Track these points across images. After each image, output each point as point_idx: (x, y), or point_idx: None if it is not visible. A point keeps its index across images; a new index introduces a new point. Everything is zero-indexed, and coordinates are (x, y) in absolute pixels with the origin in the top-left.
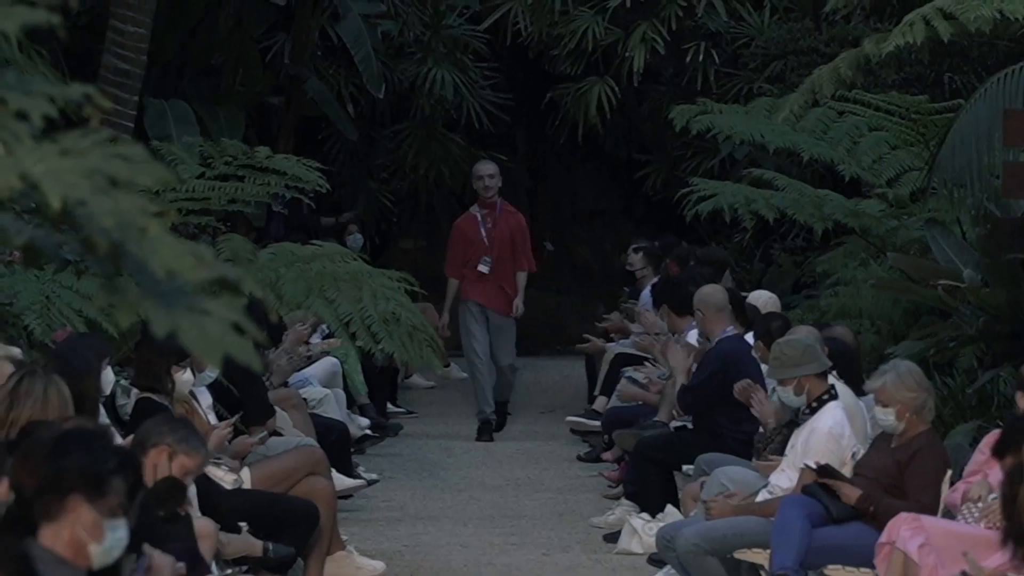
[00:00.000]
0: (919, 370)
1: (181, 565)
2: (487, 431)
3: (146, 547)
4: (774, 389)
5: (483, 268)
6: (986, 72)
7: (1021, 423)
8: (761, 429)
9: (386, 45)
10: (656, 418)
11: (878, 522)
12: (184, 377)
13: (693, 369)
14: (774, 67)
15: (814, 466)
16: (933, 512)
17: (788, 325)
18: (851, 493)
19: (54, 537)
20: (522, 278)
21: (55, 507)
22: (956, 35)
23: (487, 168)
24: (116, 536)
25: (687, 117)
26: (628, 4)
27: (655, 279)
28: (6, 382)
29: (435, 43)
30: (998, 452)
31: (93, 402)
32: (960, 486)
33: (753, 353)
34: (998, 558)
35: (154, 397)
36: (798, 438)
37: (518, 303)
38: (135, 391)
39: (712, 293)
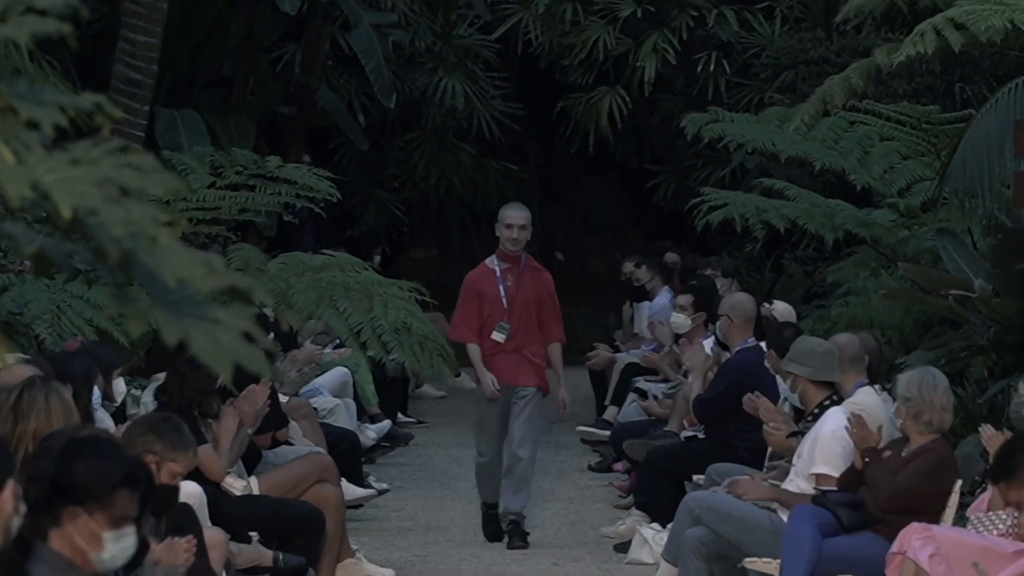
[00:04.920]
0: (932, 381)
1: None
2: (492, 522)
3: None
4: (785, 399)
5: (498, 336)
6: (997, 82)
7: (1012, 449)
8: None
9: (397, 55)
10: (666, 428)
11: (890, 529)
12: None
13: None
14: (785, 77)
15: (822, 471)
16: (931, 515)
17: (801, 335)
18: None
19: (61, 542)
20: (557, 353)
21: (54, 517)
22: (967, 45)
23: (518, 216)
24: (120, 546)
25: (698, 126)
26: (639, 14)
27: (665, 289)
28: (8, 397)
29: (446, 53)
30: (995, 478)
31: (85, 411)
32: (985, 496)
33: (766, 363)
34: (1010, 569)
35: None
36: (804, 446)
37: (564, 396)
38: (152, 401)
39: (744, 302)
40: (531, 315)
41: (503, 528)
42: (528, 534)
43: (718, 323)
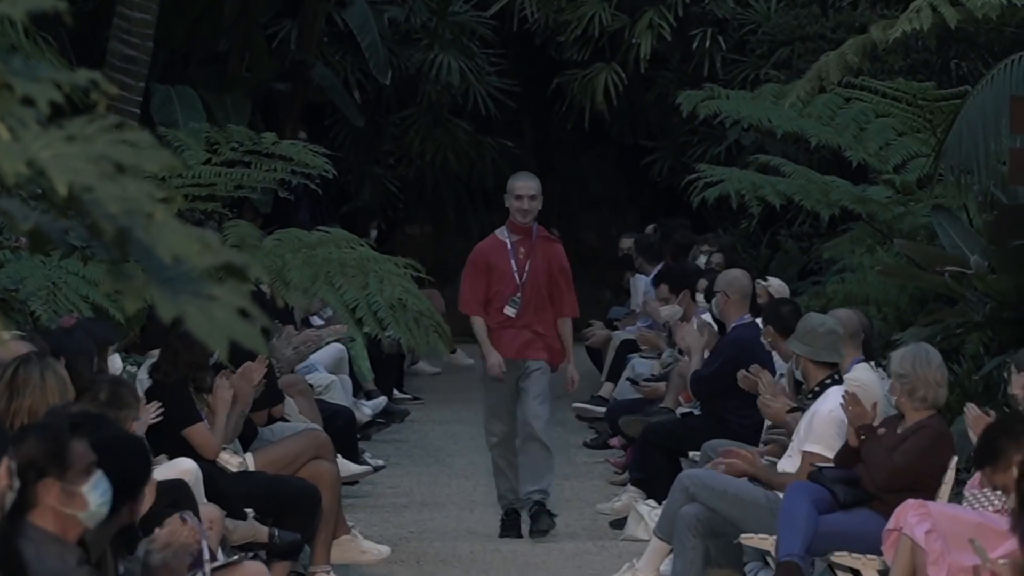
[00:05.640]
0: (925, 357)
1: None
2: (513, 525)
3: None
4: (782, 375)
5: (510, 311)
6: (993, 59)
7: (996, 433)
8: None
9: (392, 31)
10: (662, 404)
11: (886, 506)
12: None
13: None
14: (781, 53)
15: (815, 450)
16: (927, 492)
17: (798, 310)
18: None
19: (43, 519)
20: (567, 329)
21: (32, 496)
22: (963, 21)
23: (528, 186)
24: (99, 491)
25: (694, 103)
26: None
27: (657, 267)
28: (3, 373)
29: (441, 29)
30: (979, 463)
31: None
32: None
33: (762, 339)
34: (1006, 545)
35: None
36: (802, 423)
37: (573, 373)
38: (147, 378)
39: (740, 278)
40: (542, 289)
41: (528, 512)
42: (555, 516)
43: (714, 300)
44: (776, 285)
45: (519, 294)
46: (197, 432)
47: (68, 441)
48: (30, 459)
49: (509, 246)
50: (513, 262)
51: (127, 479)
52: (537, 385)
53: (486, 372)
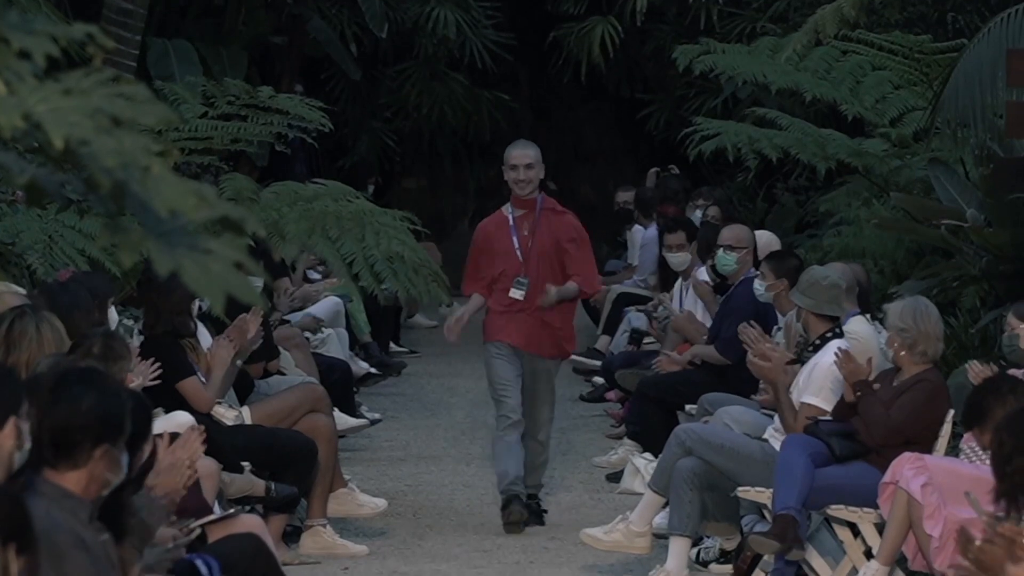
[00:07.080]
0: (925, 310)
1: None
2: (516, 511)
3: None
4: (779, 328)
5: (516, 293)
6: (989, 12)
7: (982, 393)
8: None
9: None
10: (659, 358)
11: (882, 459)
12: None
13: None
14: (777, 6)
15: (813, 402)
16: (923, 445)
17: (802, 265)
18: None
19: (78, 480)
20: (570, 285)
21: (81, 457)
22: None
23: (523, 155)
24: (125, 458)
25: (690, 57)
26: None
27: (651, 225)
28: None
29: None
30: (967, 424)
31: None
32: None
33: (757, 286)
34: None
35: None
36: (801, 375)
37: (550, 287)
38: (137, 332)
39: (746, 230)
40: (551, 267)
41: (517, 490)
42: (546, 512)
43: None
44: (767, 238)
45: (524, 274)
46: (190, 385)
47: (128, 410)
48: (90, 423)
49: (511, 222)
50: (515, 239)
51: (129, 435)
52: (543, 386)
53: (489, 354)
